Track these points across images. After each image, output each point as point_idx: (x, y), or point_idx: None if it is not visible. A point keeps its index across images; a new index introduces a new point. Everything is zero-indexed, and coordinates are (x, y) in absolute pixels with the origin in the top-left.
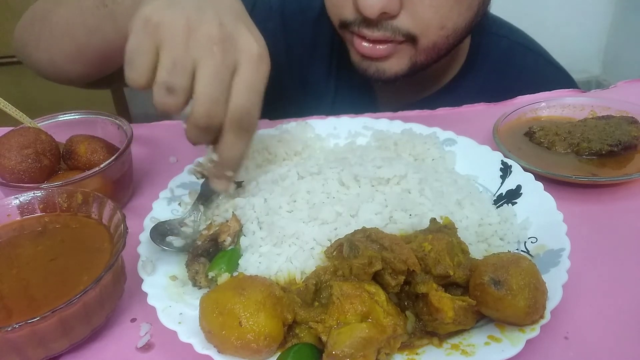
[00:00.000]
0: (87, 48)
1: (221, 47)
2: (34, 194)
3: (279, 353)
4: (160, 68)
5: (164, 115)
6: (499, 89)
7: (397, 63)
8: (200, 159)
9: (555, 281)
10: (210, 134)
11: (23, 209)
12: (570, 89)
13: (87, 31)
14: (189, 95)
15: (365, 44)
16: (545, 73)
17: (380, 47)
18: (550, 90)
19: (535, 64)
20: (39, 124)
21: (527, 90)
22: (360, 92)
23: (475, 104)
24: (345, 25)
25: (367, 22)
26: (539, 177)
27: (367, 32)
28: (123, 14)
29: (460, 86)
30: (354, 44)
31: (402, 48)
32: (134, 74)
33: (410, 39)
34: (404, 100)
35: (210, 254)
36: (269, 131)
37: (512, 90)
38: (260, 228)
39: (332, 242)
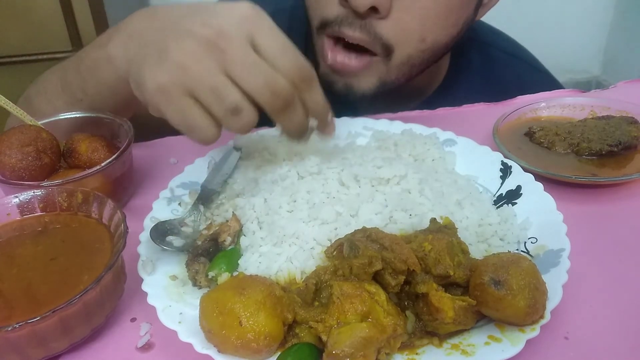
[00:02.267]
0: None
1: (223, 40)
2: (33, 193)
3: (279, 353)
4: (211, 106)
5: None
6: (484, 100)
7: (365, 81)
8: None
9: (555, 281)
10: (295, 107)
11: (23, 208)
12: (570, 89)
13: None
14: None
15: (338, 57)
16: (528, 80)
17: (353, 60)
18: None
19: (519, 71)
20: (39, 122)
21: (513, 98)
22: (339, 106)
23: (475, 104)
24: (324, 25)
25: (351, 18)
26: (539, 177)
27: (347, 31)
28: (100, 99)
29: (443, 99)
30: (325, 50)
31: (374, 62)
32: (203, 134)
33: (386, 50)
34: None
35: (210, 253)
36: (269, 131)
37: (497, 99)
38: (260, 228)
39: (332, 242)
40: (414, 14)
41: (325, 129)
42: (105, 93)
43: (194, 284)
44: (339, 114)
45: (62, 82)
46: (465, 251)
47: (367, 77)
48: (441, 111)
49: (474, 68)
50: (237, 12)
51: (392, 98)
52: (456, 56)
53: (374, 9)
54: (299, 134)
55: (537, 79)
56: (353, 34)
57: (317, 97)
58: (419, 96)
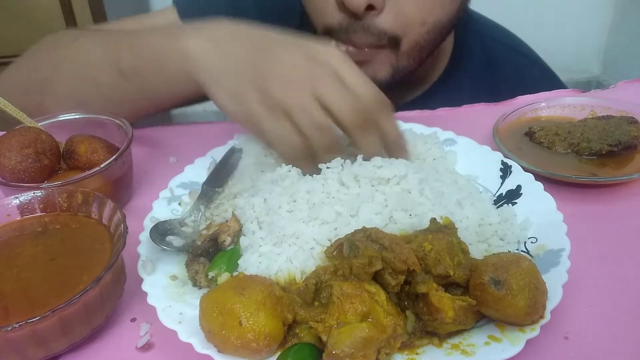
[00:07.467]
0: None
1: (317, 68)
2: (34, 193)
3: (279, 353)
4: (301, 122)
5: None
6: (485, 91)
7: (379, 69)
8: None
9: (555, 281)
10: (372, 128)
11: (23, 208)
12: (570, 89)
13: (110, 104)
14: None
15: (350, 48)
16: (529, 73)
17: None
18: (535, 90)
19: (520, 64)
20: (39, 124)
21: (514, 91)
22: None
23: (475, 104)
24: (329, 32)
25: (353, 25)
26: (539, 177)
27: (355, 38)
28: (151, 85)
29: (444, 88)
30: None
31: (382, 53)
32: (293, 151)
33: (393, 41)
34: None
35: (210, 254)
36: None
37: (498, 91)
38: (260, 228)
39: (332, 242)
40: (410, 1)
41: (397, 153)
42: (163, 87)
43: (194, 284)
44: None
45: (110, 60)
46: (465, 251)
47: (379, 64)
48: (441, 111)
49: (476, 59)
50: (324, 49)
51: (396, 87)
52: (458, 47)
53: (370, 7)
54: (373, 153)
55: (538, 73)
56: (361, 40)
57: (392, 122)
58: (421, 85)
